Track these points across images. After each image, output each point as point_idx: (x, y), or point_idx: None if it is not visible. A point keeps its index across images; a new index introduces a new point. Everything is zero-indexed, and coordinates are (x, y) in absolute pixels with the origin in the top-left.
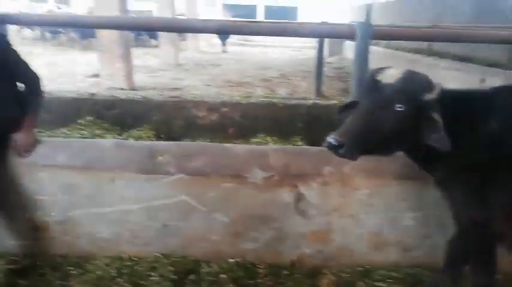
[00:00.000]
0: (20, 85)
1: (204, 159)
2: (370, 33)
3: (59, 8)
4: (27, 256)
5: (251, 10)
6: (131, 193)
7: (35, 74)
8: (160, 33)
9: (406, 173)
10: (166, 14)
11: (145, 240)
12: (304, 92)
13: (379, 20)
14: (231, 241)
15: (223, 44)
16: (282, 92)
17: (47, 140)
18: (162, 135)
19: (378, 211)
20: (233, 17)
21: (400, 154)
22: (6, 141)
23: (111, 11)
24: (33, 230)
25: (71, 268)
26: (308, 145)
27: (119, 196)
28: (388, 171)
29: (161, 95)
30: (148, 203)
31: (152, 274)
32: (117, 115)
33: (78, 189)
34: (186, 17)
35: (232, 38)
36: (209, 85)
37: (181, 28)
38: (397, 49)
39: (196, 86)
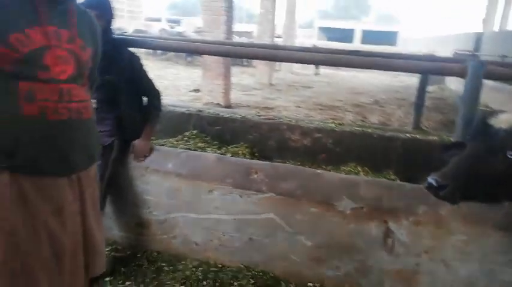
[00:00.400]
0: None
1: (295, 182)
2: (484, 73)
3: (171, 27)
4: (129, 247)
5: (347, 34)
6: (225, 204)
7: (157, 90)
8: None
9: (510, 224)
10: (266, 36)
11: (231, 250)
12: (398, 122)
13: (489, 50)
14: (312, 265)
15: (316, 67)
16: (374, 119)
17: (159, 148)
18: (256, 153)
19: (473, 260)
20: (328, 40)
21: (505, 203)
22: (128, 147)
23: (218, 32)
24: (138, 225)
25: (164, 264)
26: (401, 179)
27: (213, 206)
28: (490, 219)
29: (258, 114)
30: (239, 216)
31: (234, 283)
32: (218, 131)
33: (180, 194)
34: (283, 39)
35: None
36: (300, 107)
37: (280, 59)
38: None
39: (287, 107)
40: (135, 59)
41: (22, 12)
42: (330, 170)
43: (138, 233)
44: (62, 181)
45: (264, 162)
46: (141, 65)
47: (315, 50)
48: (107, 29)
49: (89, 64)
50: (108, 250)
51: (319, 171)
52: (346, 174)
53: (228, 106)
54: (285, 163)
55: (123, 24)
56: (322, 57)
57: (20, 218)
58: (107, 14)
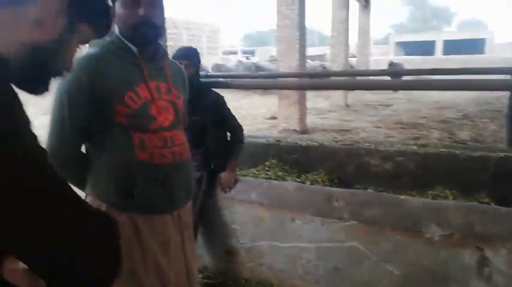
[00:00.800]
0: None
1: (378, 209)
2: None
3: (247, 58)
4: (219, 274)
5: (427, 46)
6: (307, 233)
7: (239, 125)
8: None
9: None
10: (340, 58)
11: (315, 277)
12: (491, 137)
13: None
14: None
15: None
16: (464, 136)
17: (243, 179)
18: (336, 180)
19: None
20: (406, 54)
21: None
22: (215, 180)
23: (292, 60)
24: (227, 253)
25: None
26: (496, 203)
27: (296, 234)
28: None
29: (336, 140)
30: (322, 244)
31: None
32: (296, 159)
33: (264, 223)
34: (357, 58)
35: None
36: (379, 127)
37: (368, 87)
38: None
39: (366, 128)
40: (220, 100)
41: (132, 73)
42: (414, 195)
43: (227, 261)
44: (167, 218)
45: (344, 189)
46: (225, 104)
47: (393, 71)
48: (195, 75)
49: (182, 110)
50: (200, 278)
51: (403, 197)
52: (432, 199)
53: (305, 131)
54: (366, 189)
55: (203, 60)
56: (399, 82)
57: (137, 256)
58: (195, 63)
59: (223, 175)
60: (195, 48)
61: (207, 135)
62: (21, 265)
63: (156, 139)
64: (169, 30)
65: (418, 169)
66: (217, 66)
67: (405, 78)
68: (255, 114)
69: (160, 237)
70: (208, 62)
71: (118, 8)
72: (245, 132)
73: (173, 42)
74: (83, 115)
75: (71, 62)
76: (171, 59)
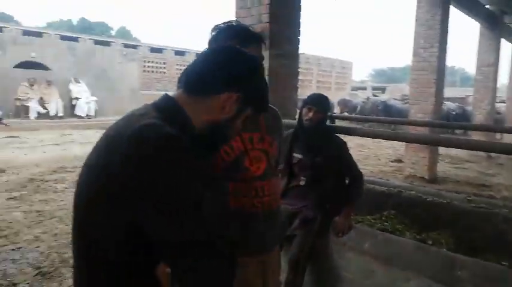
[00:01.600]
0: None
1: None
2: None
3: (374, 95)
4: None
5: None
6: None
7: (360, 173)
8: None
9: None
10: (484, 104)
11: None
12: None
13: None
14: None
15: None
16: None
17: (358, 227)
18: (462, 245)
19: None
20: None
21: None
22: (329, 223)
23: (426, 104)
24: None
25: None
26: None
27: None
28: None
29: (469, 198)
30: None
31: None
32: (419, 214)
33: (374, 276)
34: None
35: None
36: None
37: None
38: None
39: (510, 187)
40: (343, 145)
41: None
42: None
43: None
44: (249, 262)
45: (471, 259)
46: (347, 151)
47: None
48: (322, 121)
49: (275, 157)
50: None
51: None
52: None
53: (433, 180)
54: (499, 263)
55: (331, 96)
56: None
57: None
58: (324, 110)
59: (338, 220)
60: (326, 96)
61: (325, 178)
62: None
63: (247, 189)
64: (302, 65)
65: None
66: (343, 101)
67: None
68: (379, 155)
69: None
70: (335, 97)
71: None
72: (366, 174)
73: (303, 76)
74: None
75: (236, 132)
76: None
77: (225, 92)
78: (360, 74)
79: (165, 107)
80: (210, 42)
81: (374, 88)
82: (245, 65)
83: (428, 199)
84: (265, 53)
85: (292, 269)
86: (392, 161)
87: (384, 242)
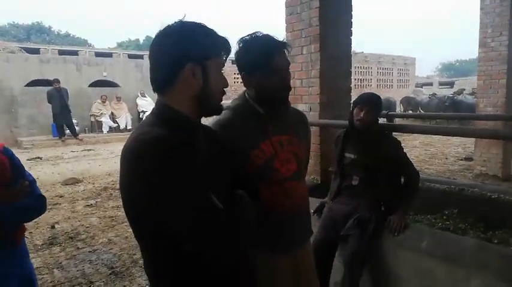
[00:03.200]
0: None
1: None
2: None
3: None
4: None
5: None
6: None
7: (416, 172)
8: None
9: None
10: None
11: None
12: None
13: None
14: None
15: None
16: None
17: (414, 226)
18: None
19: None
20: None
21: None
22: (384, 221)
23: (496, 97)
24: None
25: None
26: None
27: None
28: None
29: None
30: None
31: None
32: (484, 212)
33: (433, 276)
34: None
35: None
36: None
37: None
38: None
39: None
40: (398, 145)
41: (257, 131)
42: None
43: None
44: (289, 256)
45: None
46: (401, 149)
47: None
48: (374, 121)
49: (304, 158)
50: None
51: None
52: None
53: (508, 179)
54: None
55: (392, 94)
56: None
57: None
58: (375, 110)
59: (393, 218)
60: (378, 96)
61: (380, 178)
62: None
63: (278, 189)
64: (360, 65)
65: None
66: (406, 100)
67: None
68: (446, 153)
69: (275, 280)
70: (398, 96)
71: (261, 75)
72: (432, 173)
73: (361, 75)
74: None
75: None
76: (295, 108)
77: (180, 71)
78: (426, 69)
79: (158, 112)
80: (240, 55)
81: (442, 83)
82: (171, 39)
83: (493, 197)
84: (316, 56)
85: (349, 269)
86: (461, 160)
87: (442, 241)
